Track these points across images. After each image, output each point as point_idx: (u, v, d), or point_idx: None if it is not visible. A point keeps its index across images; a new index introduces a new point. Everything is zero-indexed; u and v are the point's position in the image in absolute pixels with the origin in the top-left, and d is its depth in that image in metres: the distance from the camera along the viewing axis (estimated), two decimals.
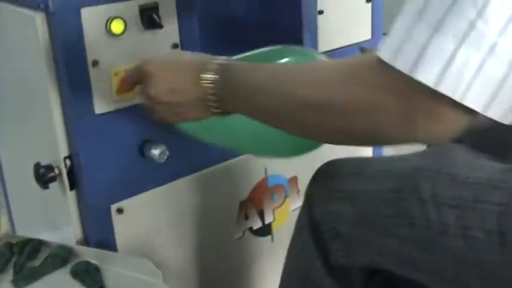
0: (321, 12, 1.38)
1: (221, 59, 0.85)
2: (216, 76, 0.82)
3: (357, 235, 1.00)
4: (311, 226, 1.05)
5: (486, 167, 0.88)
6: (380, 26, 1.51)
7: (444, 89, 0.60)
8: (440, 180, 0.90)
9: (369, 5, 1.47)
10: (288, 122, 0.76)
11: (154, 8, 1.12)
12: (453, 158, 0.91)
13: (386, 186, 0.96)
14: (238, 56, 1.03)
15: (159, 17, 1.11)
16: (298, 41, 1.37)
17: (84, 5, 1.04)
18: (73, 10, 1.04)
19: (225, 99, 0.82)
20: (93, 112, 1.09)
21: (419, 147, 0.90)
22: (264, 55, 1.07)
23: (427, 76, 0.60)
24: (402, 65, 0.61)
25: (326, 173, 1.08)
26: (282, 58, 1.04)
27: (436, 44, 0.60)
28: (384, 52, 0.64)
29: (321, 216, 1.04)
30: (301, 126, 0.75)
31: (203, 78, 0.83)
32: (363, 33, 1.48)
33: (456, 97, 0.60)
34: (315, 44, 1.38)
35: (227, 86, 0.81)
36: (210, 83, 0.82)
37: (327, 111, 0.69)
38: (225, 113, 0.85)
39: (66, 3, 1.03)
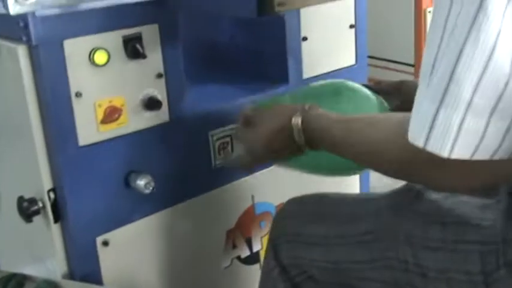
0: (304, 38, 1.38)
1: (303, 112, 0.94)
2: (302, 136, 0.93)
3: (333, 280, 0.99)
4: (280, 271, 1.05)
5: (464, 204, 0.87)
6: (364, 51, 1.51)
7: (456, 154, 0.64)
8: (416, 221, 0.89)
9: (353, 30, 1.48)
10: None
11: (138, 38, 1.11)
12: (428, 197, 0.91)
13: (359, 229, 0.96)
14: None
15: (142, 47, 1.11)
16: (282, 67, 1.38)
17: (67, 37, 1.04)
18: (56, 42, 1.03)
19: (314, 147, 0.94)
20: (77, 144, 1.08)
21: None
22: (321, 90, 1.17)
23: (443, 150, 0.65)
24: (433, 147, 0.65)
25: (289, 215, 1.09)
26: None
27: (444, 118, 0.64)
28: (410, 133, 0.68)
29: (290, 260, 1.04)
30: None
31: (294, 137, 0.94)
32: (347, 59, 1.48)
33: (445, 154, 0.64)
34: (299, 70, 1.39)
35: (313, 140, 0.93)
36: (299, 139, 0.94)
37: (387, 172, 0.79)
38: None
39: (49, 36, 1.02)
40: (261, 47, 1.41)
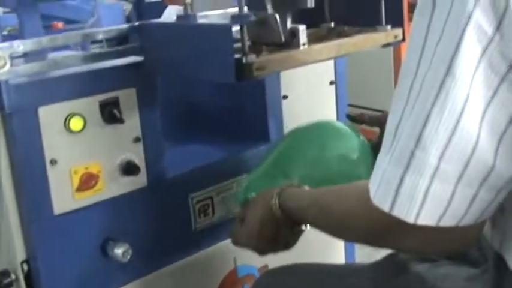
0: (285, 97, 1.38)
1: (279, 194, 0.96)
2: (283, 217, 0.95)
3: None
4: None
5: (449, 277, 0.85)
6: (344, 107, 1.51)
7: (422, 221, 0.63)
8: None
9: (333, 87, 1.47)
10: None
11: (115, 102, 1.09)
12: (412, 268, 0.89)
13: None
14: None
15: (119, 112, 1.09)
16: (263, 126, 1.36)
17: (42, 104, 1.02)
18: (30, 110, 1.01)
19: (299, 224, 0.97)
20: (52, 213, 1.05)
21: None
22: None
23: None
24: (399, 212, 0.64)
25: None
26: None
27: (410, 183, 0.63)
28: (376, 197, 0.67)
29: None
30: None
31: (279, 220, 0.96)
32: (328, 115, 1.47)
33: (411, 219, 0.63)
34: (280, 129, 1.37)
35: (293, 218, 0.95)
36: (283, 221, 0.96)
37: (359, 242, 0.81)
38: None
39: (23, 103, 1.00)
40: (241, 105, 1.40)
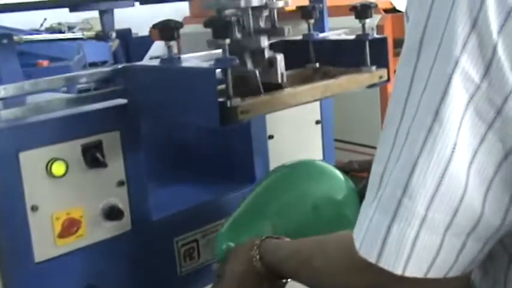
0: (271, 137, 1.37)
1: (259, 247, 0.94)
2: (263, 269, 0.93)
3: None
4: None
5: None
6: (331, 146, 1.51)
7: (409, 272, 0.61)
8: None
9: (319, 126, 1.47)
10: None
11: (98, 146, 1.08)
12: None
13: None
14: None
15: (103, 155, 1.08)
16: (249, 166, 1.35)
17: (23, 149, 1.00)
18: (11, 155, 0.99)
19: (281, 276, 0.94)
20: (33, 260, 1.02)
21: None
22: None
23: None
24: (385, 264, 0.62)
25: None
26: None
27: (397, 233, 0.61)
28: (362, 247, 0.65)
29: None
30: None
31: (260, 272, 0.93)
32: (314, 154, 1.47)
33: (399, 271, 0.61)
34: (266, 169, 1.36)
35: (275, 271, 0.92)
36: (265, 274, 0.93)
37: None
38: None
39: (3, 149, 0.98)
40: (227, 146, 1.39)
